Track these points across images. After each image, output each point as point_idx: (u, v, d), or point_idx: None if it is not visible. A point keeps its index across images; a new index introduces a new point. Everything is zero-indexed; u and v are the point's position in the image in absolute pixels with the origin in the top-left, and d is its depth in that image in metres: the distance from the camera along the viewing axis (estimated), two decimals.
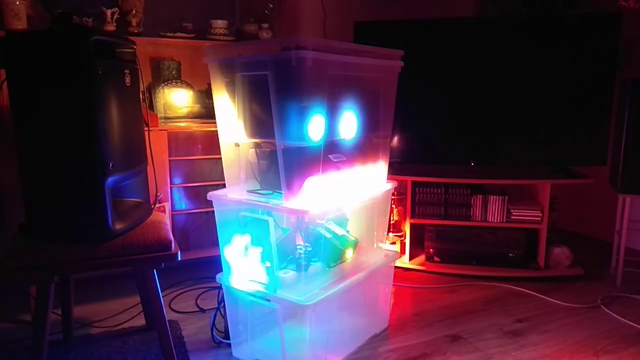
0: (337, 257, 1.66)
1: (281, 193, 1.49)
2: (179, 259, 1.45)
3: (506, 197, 2.36)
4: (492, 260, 2.41)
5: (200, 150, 2.34)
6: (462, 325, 1.92)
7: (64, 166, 1.35)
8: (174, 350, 1.48)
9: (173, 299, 2.15)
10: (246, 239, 1.58)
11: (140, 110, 1.60)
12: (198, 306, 2.08)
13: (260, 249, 1.55)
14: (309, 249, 1.63)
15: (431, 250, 2.48)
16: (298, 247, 1.63)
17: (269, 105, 1.45)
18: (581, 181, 2.34)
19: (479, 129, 2.45)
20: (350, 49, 1.55)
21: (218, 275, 1.67)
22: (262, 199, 1.54)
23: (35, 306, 1.33)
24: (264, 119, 1.52)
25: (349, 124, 1.62)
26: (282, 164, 1.46)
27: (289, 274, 1.59)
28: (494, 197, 2.36)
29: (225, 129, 1.63)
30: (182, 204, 2.35)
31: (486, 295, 2.21)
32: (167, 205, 2.22)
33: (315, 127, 1.46)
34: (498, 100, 2.41)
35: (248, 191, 1.63)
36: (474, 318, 1.98)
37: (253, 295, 1.57)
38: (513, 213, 2.36)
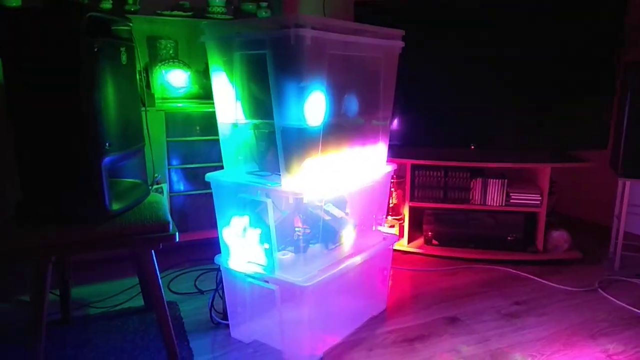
0: (336, 239, 1.65)
1: (280, 175, 1.48)
2: (177, 240, 1.44)
3: (505, 181, 2.35)
4: (491, 244, 2.41)
5: (198, 131, 2.32)
6: (460, 308, 1.92)
7: (59, 146, 1.33)
8: (172, 331, 1.48)
9: (171, 280, 2.15)
10: (245, 220, 1.57)
11: (136, 89, 1.58)
12: (196, 287, 2.09)
13: (258, 231, 1.54)
14: (308, 230, 1.63)
15: (430, 233, 2.47)
16: (296, 229, 1.63)
17: (268, 85, 1.43)
18: (581, 165, 2.33)
19: (479, 112, 2.43)
20: (350, 28, 1.52)
21: (216, 257, 1.66)
22: (261, 181, 1.53)
23: (33, 287, 1.32)
24: (263, 100, 1.50)
25: (348, 104, 1.60)
26: (281, 146, 1.45)
27: (287, 256, 1.58)
28: (494, 180, 2.35)
29: (223, 110, 1.61)
30: (180, 185, 2.34)
31: (484, 278, 2.22)
32: (165, 187, 2.21)
33: (314, 107, 1.44)
34: (499, 83, 2.39)
35: (247, 173, 1.62)
36: (471, 300, 1.99)
37: (251, 277, 1.57)
38: (512, 196, 2.35)
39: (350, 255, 1.66)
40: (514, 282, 2.18)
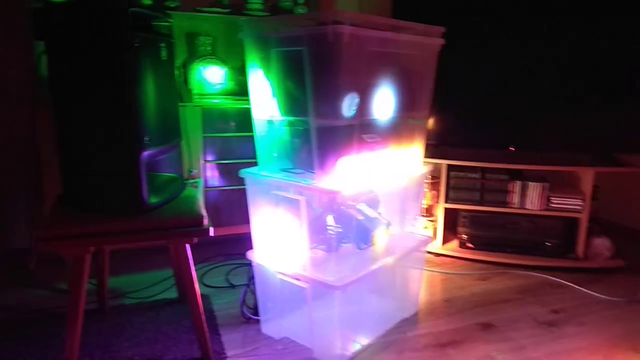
0: (368, 239, 1.63)
1: (313, 172, 1.47)
2: (211, 234, 1.45)
3: (546, 184, 2.27)
4: (528, 249, 2.34)
5: (233, 127, 2.34)
6: (494, 314, 1.87)
7: (100, 139, 1.36)
8: (205, 325, 1.50)
9: (205, 273, 2.18)
10: (277, 217, 1.58)
11: (175, 85, 1.60)
12: (229, 282, 2.11)
13: (291, 228, 1.54)
14: (340, 229, 1.61)
15: (464, 236, 2.42)
16: (329, 227, 1.62)
17: (304, 82, 1.42)
18: (627, 169, 2.22)
19: (519, 111, 2.35)
20: (389, 24, 1.50)
21: (249, 252, 1.67)
22: (294, 178, 1.53)
23: (72, 276, 1.36)
24: (298, 97, 1.50)
25: (385, 103, 1.58)
26: (315, 143, 1.44)
27: (319, 254, 1.57)
28: (533, 183, 2.28)
29: (258, 106, 1.61)
30: (215, 180, 2.37)
31: (521, 284, 2.15)
32: (200, 181, 2.24)
33: (349, 105, 1.43)
34: (541, 82, 2.30)
35: (281, 169, 1.62)
36: (507, 307, 1.93)
37: (283, 274, 1.57)
38: (553, 200, 2.27)
39: (383, 256, 1.63)
40: (552, 289, 2.10)
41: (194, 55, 2.47)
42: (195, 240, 1.44)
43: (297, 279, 1.53)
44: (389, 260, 1.62)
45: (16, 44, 2.11)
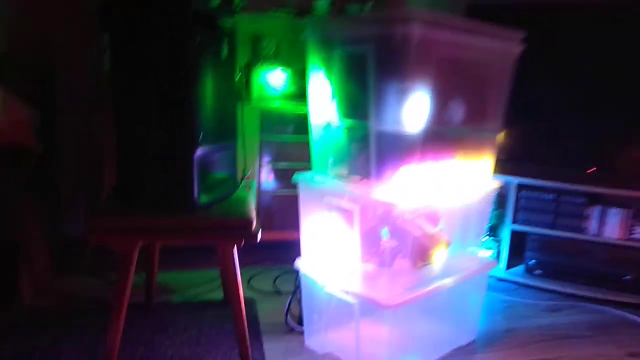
0: (426, 257, 1.52)
1: (370, 181, 1.38)
2: (259, 239, 1.39)
3: (630, 211, 2.04)
4: (604, 282, 2.11)
5: (291, 131, 2.30)
6: (561, 350, 1.68)
7: (156, 134, 1.34)
8: (246, 331, 1.44)
9: (253, 276, 2.14)
10: (329, 225, 1.50)
11: (234, 84, 1.57)
12: (276, 287, 2.05)
13: (343, 238, 1.45)
14: (395, 244, 1.51)
15: (533, 261, 2.22)
16: (383, 240, 1.52)
17: (366, 85, 1.34)
18: None
19: (603, 128, 2.13)
20: (463, 26, 1.38)
21: (297, 260, 1.61)
22: (349, 186, 1.44)
23: (119, 268, 1.35)
24: (359, 100, 1.42)
25: (454, 112, 1.46)
26: (374, 150, 1.35)
27: (371, 269, 1.47)
28: (615, 209, 2.05)
29: (317, 109, 1.54)
30: (269, 183, 2.33)
31: (593, 320, 1.93)
32: (254, 184, 2.21)
33: (414, 112, 1.32)
34: (629, 96, 2.07)
35: (335, 175, 1.54)
36: (577, 344, 1.74)
37: (330, 286, 1.48)
38: (636, 230, 2.04)
39: (441, 277, 1.51)
40: (630, 329, 1.87)
41: (257, 57, 2.45)
42: (243, 243, 1.39)
43: (346, 293, 1.44)
44: (447, 281, 1.50)
45: (84, 36, 2.19)
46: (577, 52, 2.13)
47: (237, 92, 1.61)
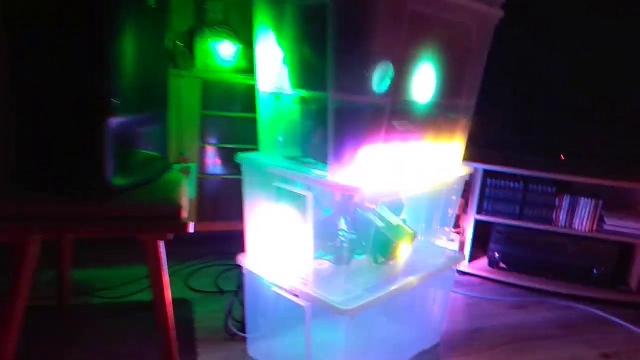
0: (388, 252, 1.31)
1: (327, 164, 1.15)
2: (191, 230, 1.14)
3: (600, 202, 1.92)
4: (572, 276, 1.99)
5: (240, 107, 2.04)
6: (533, 354, 1.54)
7: (59, 99, 1.06)
8: (173, 340, 1.19)
9: (192, 274, 1.88)
10: (278, 215, 1.26)
11: (163, 43, 1.30)
12: (217, 286, 1.80)
13: (293, 230, 1.23)
14: (354, 237, 1.30)
15: (497, 254, 2.08)
16: (340, 233, 1.30)
17: (324, 47, 1.10)
18: None
19: (576, 114, 1.99)
20: None
21: (239, 256, 1.37)
22: (303, 169, 1.21)
23: (10, 265, 1.06)
24: (316, 66, 1.18)
25: (425, 82, 1.25)
26: (333, 127, 1.12)
27: (326, 266, 1.26)
28: (585, 199, 1.93)
29: (265, 76, 1.30)
30: (214, 167, 2.07)
31: (563, 317, 1.81)
32: (194, 167, 1.94)
33: (380, 79, 1.11)
34: (604, 80, 1.94)
35: (286, 157, 1.31)
36: (548, 346, 1.60)
37: (278, 287, 1.26)
38: (607, 222, 1.92)
39: (404, 274, 1.31)
40: (600, 327, 1.76)
41: (202, 21, 2.16)
42: (169, 237, 1.13)
43: (296, 295, 1.22)
44: (411, 280, 1.30)
45: None
46: (551, 38, 1.98)
47: (168, 53, 1.33)
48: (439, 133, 1.39)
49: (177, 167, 1.82)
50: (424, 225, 1.46)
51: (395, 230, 1.32)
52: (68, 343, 1.35)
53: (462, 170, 1.48)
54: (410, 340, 1.47)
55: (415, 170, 1.32)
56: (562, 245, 1.99)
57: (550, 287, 1.96)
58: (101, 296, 1.64)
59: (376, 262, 1.31)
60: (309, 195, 1.15)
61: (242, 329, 1.46)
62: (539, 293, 1.97)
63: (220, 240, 2.17)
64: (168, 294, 1.17)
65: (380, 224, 1.31)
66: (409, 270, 1.34)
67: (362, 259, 1.31)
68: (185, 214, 1.14)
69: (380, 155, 1.17)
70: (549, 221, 1.98)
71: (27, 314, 1.09)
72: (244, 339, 1.44)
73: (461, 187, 1.51)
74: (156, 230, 1.12)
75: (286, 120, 1.32)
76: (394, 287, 1.24)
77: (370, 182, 1.13)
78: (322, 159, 1.19)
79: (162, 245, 1.16)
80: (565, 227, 1.96)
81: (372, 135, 1.15)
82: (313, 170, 1.19)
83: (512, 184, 2.01)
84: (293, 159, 1.29)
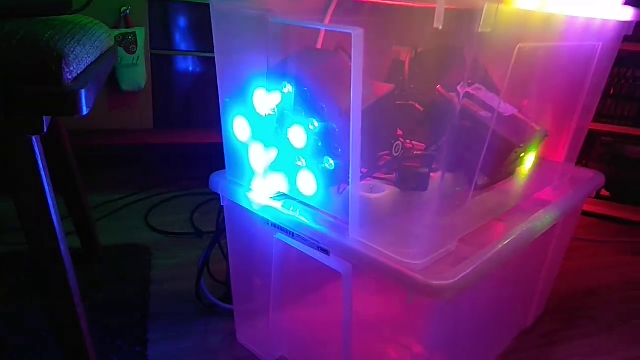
0: (502, 167, 0.69)
1: None
2: (84, 113, 0.51)
3: None
4: None
5: None
6: None
7: None
8: (83, 328, 0.61)
9: (154, 206, 1.28)
10: (277, 99, 0.63)
11: None
12: (194, 225, 1.21)
13: (311, 127, 0.59)
14: (432, 149, 0.67)
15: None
16: (399, 139, 0.67)
17: None
18: None
19: None
20: None
21: (214, 177, 0.75)
22: None
23: None
24: None
25: None
26: None
27: (380, 193, 0.63)
28: None
29: None
30: (179, 36, 1.40)
31: None
32: (142, 34, 1.27)
33: None
34: None
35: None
36: None
37: (286, 231, 0.65)
38: None
39: (527, 210, 0.69)
40: None
41: None
42: (45, 126, 0.50)
43: (323, 250, 0.61)
44: (545, 219, 0.68)
45: None
46: None
47: None
48: None
49: (114, 33, 1.17)
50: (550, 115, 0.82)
51: (512, 125, 0.69)
52: None
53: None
54: (511, 318, 0.88)
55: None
56: None
57: None
58: None
59: (470, 184, 0.69)
60: (357, 32, 0.50)
61: (227, 296, 0.87)
62: None
63: (197, 157, 1.57)
64: (52, 230, 0.57)
65: (484, 113, 0.67)
66: (530, 202, 0.72)
67: (447, 181, 0.69)
68: (69, 72, 0.50)
69: None
70: None
71: None
72: (227, 315, 0.85)
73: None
74: (15, 104, 0.49)
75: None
76: (515, 232, 0.63)
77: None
78: None
79: (36, 143, 0.53)
80: None
81: None
82: None
83: None
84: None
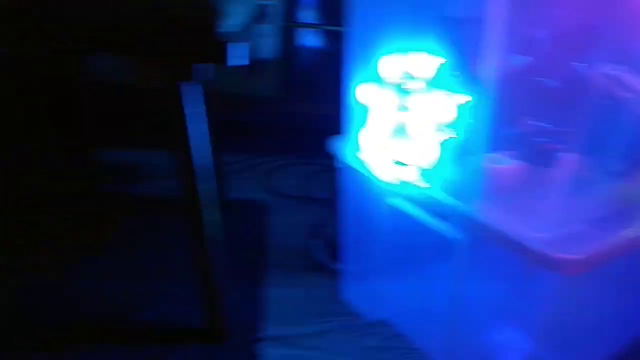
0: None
1: None
2: (246, 61, 0.57)
3: None
4: None
5: None
6: None
7: None
8: (216, 266, 0.69)
9: (273, 172, 1.37)
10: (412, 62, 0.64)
11: None
12: (307, 191, 1.27)
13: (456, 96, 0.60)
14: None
15: None
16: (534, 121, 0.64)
17: None
18: None
19: None
20: None
21: (332, 141, 0.79)
22: None
23: None
24: None
25: None
26: None
27: (509, 165, 0.62)
28: None
29: None
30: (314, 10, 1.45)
31: None
32: (276, 6, 1.34)
33: None
34: None
35: None
36: None
37: (402, 197, 0.66)
38: None
39: None
40: None
41: None
42: (193, 73, 0.57)
43: (441, 217, 0.62)
44: None
45: None
46: None
47: None
48: None
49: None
50: None
51: None
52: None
53: None
54: (634, 312, 0.82)
55: None
56: None
57: None
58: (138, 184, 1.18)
59: (609, 168, 0.64)
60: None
61: (334, 257, 0.92)
62: None
63: (317, 129, 1.62)
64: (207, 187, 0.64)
65: (628, 94, 0.62)
66: None
67: (576, 161, 0.65)
68: (218, 24, 0.56)
69: None
70: None
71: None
72: (335, 273, 0.90)
73: None
74: (170, 56, 0.56)
75: None
76: None
77: None
78: None
79: (191, 91, 0.60)
80: None
81: None
82: None
83: None
84: None
